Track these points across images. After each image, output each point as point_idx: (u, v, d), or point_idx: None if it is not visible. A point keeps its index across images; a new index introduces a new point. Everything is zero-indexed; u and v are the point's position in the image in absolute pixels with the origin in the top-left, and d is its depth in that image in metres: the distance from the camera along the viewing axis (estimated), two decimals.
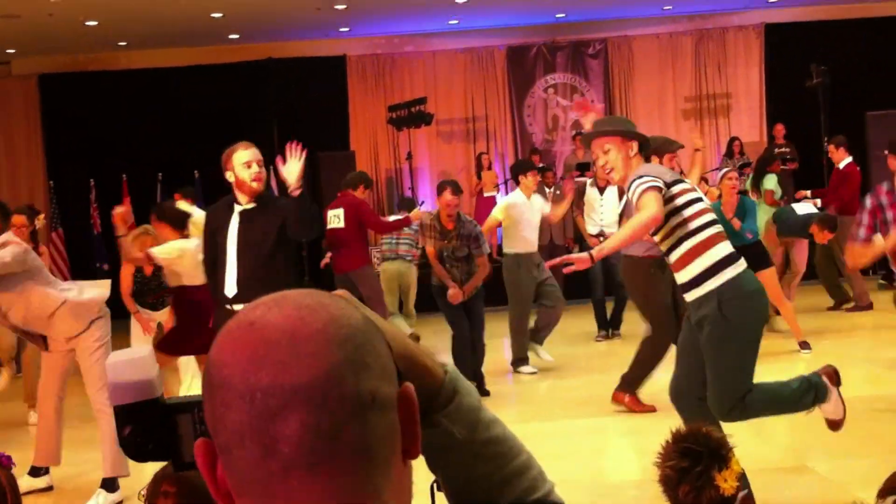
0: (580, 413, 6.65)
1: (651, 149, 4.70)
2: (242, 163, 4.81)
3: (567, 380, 7.84)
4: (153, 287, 7.54)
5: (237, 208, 4.86)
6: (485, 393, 7.41)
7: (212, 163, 16.07)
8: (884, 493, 2.55)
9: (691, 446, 2.30)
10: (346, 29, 14.67)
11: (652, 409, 6.23)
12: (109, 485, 5.28)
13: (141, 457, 0.96)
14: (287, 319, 0.81)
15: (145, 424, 0.95)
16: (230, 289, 4.81)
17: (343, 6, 12.96)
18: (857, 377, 6.15)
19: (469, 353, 7.42)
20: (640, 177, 4.11)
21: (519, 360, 8.07)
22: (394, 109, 13.93)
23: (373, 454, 0.81)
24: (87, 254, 13.92)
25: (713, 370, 4.12)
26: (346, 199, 8.28)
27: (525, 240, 7.91)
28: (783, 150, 14.14)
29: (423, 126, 13.70)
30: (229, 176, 4.85)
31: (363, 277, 8.11)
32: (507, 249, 8.03)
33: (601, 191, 9.12)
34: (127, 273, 7.42)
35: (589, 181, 9.37)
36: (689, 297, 4.21)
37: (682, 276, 4.20)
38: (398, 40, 15.49)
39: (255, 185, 4.81)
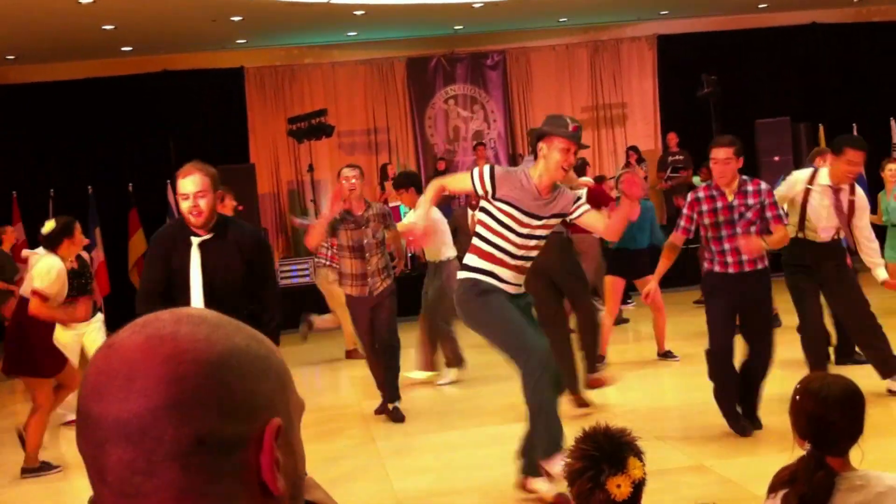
0: (492, 421, 6.70)
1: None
2: (180, 193, 4.30)
3: (478, 388, 7.88)
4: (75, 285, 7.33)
5: (195, 241, 4.33)
6: (399, 419, 6.96)
7: (106, 179, 15.53)
8: (773, 488, 2.65)
9: (589, 449, 2.30)
10: (244, 41, 14.50)
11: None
12: None
13: None
14: (134, 349, 0.83)
15: None
16: None
17: (239, 18, 12.81)
18: None
19: (379, 368, 7.07)
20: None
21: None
22: (294, 122, 13.79)
23: (202, 492, 0.82)
24: None
25: None
26: None
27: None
28: (676, 157, 14.52)
29: (324, 138, 13.61)
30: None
31: None
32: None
33: None
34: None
35: None
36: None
37: None
38: (297, 52, 15.38)
39: (193, 219, 4.30)
